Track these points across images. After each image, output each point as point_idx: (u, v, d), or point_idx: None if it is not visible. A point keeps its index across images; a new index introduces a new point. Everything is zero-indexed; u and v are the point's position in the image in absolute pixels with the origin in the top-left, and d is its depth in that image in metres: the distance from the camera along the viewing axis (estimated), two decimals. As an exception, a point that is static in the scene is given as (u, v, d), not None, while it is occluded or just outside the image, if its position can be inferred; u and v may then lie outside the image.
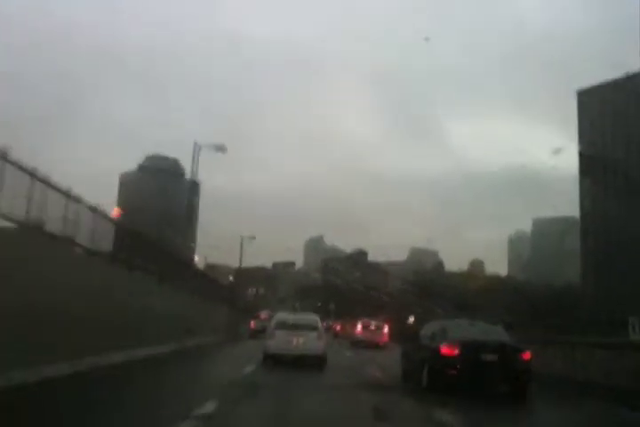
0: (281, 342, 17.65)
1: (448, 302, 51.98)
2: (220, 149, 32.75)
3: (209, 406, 8.59)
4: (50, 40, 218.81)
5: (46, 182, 11.43)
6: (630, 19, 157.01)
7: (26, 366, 10.06)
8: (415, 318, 43.64)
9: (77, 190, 12.80)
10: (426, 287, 68.65)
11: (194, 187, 33.02)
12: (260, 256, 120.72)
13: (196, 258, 39.52)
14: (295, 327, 18.15)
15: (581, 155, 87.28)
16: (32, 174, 10.73)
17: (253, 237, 57.58)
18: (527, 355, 12.64)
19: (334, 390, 12.39)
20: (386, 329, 37.19)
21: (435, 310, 45.04)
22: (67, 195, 12.43)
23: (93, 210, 14.09)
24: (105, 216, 15.35)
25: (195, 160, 31.56)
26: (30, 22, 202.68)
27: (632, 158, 79.52)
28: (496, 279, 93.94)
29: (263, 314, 46.71)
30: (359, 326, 37.31)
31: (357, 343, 34.55)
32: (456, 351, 12.35)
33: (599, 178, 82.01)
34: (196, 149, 31.61)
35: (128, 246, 17.71)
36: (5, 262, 9.52)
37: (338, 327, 51.84)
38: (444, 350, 12.48)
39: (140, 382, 12.44)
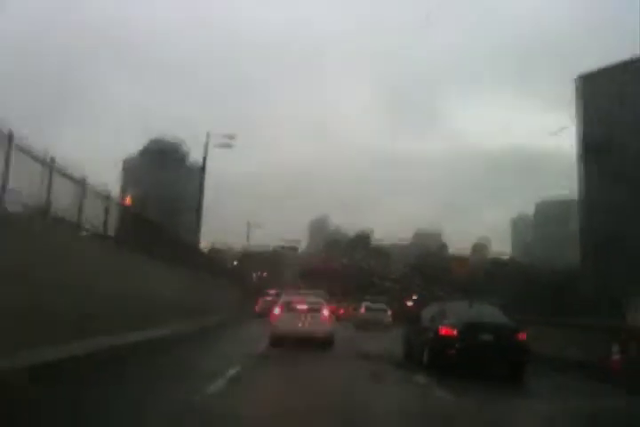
0: (287, 323, 17.65)
1: (449, 285, 52.93)
2: (230, 138, 33.89)
3: (233, 371, 11.00)
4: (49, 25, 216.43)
5: (50, 165, 11.45)
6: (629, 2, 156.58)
7: (78, 339, 11.77)
8: (414, 301, 44.36)
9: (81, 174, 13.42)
10: (428, 270, 69.65)
11: (203, 176, 33.95)
12: (264, 238, 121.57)
13: (203, 243, 40.53)
14: (301, 309, 18.15)
15: (581, 139, 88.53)
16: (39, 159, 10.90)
17: (259, 226, 59.25)
18: (523, 335, 13.11)
19: (334, 360, 14.92)
20: (389, 311, 37.85)
21: (435, 293, 45.92)
22: (71, 179, 12.57)
23: (104, 197, 14.80)
24: (115, 203, 16.04)
25: (206, 151, 32.73)
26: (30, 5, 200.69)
27: (631, 143, 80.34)
28: (498, 262, 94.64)
29: (269, 295, 46.17)
30: (363, 309, 38.03)
31: (361, 325, 35.23)
32: (455, 332, 12.90)
33: (598, 162, 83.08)
34: (208, 139, 32.94)
35: (143, 232, 18.59)
36: (26, 247, 10.19)
37: (341, 310, 52.59)
38: (444, 331, 13.04)
39: (172, 354, 14.47)
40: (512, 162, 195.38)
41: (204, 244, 39.97)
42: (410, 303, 43.96)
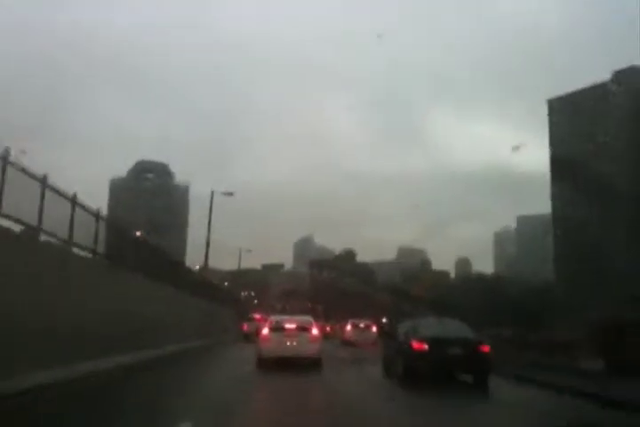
0: (275, 344, 17.37)
1: (428, 301, 54.75)
2: (229, 195, 42.23)
3: (249, 368, 16.67)
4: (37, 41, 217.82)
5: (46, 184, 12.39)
6: (599, 27, 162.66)
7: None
8: (389, 319, 45.95)
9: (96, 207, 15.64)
10: (409, 288, 71.70)
11: (209, 221, 41.49)
12: (250, 258, 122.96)
13: (197, 267, 43.80)
14: (289, 330, 17.85)
15: (552, 160, 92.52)
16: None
17: (249, 251, 65.04)
18: (486, 348, 14.48)
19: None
20: (374, 329, 39.37)
21: (411, 310, 48.00)
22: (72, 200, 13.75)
23: (117, 228, 17.17)
24: (140, 240, 19.07)
25: (210, 207, 40.17)
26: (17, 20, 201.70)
27: (599, 162, 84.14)
28: (481, 277, 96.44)
29: (256, 316, 45.41)
30: (349, 327, 39.59)
31: (347, 343, 36.78)
32: (425, 346, 14.24)
33: (568, 180, 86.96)
34: (212, 195, 40.32)
35: (147, 258, 20.93)
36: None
37: (328, 328, 53.99)
38: (416, 345, 14.36)
39: (196, 361, 19.98)
40: (492, 180, 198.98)
41: (200, 268, 43.76)
42: (384, 320, 45.72)
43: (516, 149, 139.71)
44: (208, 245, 40.40)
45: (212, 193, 40.47)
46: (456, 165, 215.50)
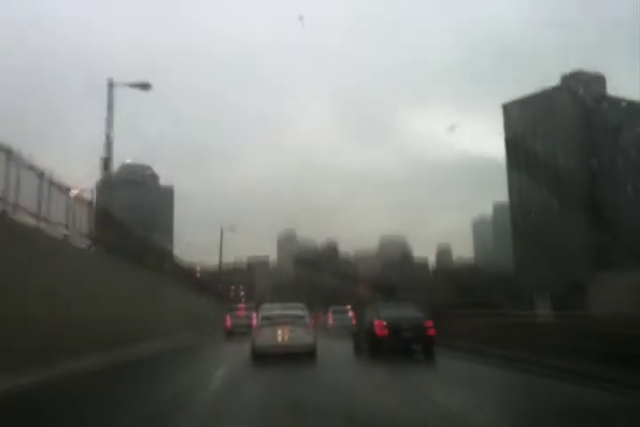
0: (268, 337, 17.07)
1: (406, 289, 59.51)
2: (233, 229, 51.72)
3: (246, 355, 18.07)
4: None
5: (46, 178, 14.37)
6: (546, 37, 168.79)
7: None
8: (353, 305, 51.43)
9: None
10: (391, 277, 76.34)
11: (221, 247, 50.19)
12: (234, 253, 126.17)
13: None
14: (282, 322, 17.48)
15: (508, 155, 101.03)
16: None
17: (243, 262, 71.97)
18: (430, 323, 18.27)
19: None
20: (351, 314, 44.00)
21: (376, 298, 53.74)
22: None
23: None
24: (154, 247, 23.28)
25: (221, 246, 49.57)
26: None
27: (548, 157, 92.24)
28: (460, 265, 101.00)
29: (240, 309, 41.08)
30: (330, 314, 44.37)
31: (330, 328, 41.26)
32: (384, 323, 17.94)
33: (523, 172, 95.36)
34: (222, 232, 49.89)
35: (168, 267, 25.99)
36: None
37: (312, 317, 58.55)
38: (377, 323, 18.08)
39: (199, 350, 24.01)
40: (470, 169, 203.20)
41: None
42: (348, 307, 51.13)
43: (450, 129, 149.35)
44: (220, 267, 47.60)
45: (222, 231, 49.61)
46: (431, 157, 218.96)
